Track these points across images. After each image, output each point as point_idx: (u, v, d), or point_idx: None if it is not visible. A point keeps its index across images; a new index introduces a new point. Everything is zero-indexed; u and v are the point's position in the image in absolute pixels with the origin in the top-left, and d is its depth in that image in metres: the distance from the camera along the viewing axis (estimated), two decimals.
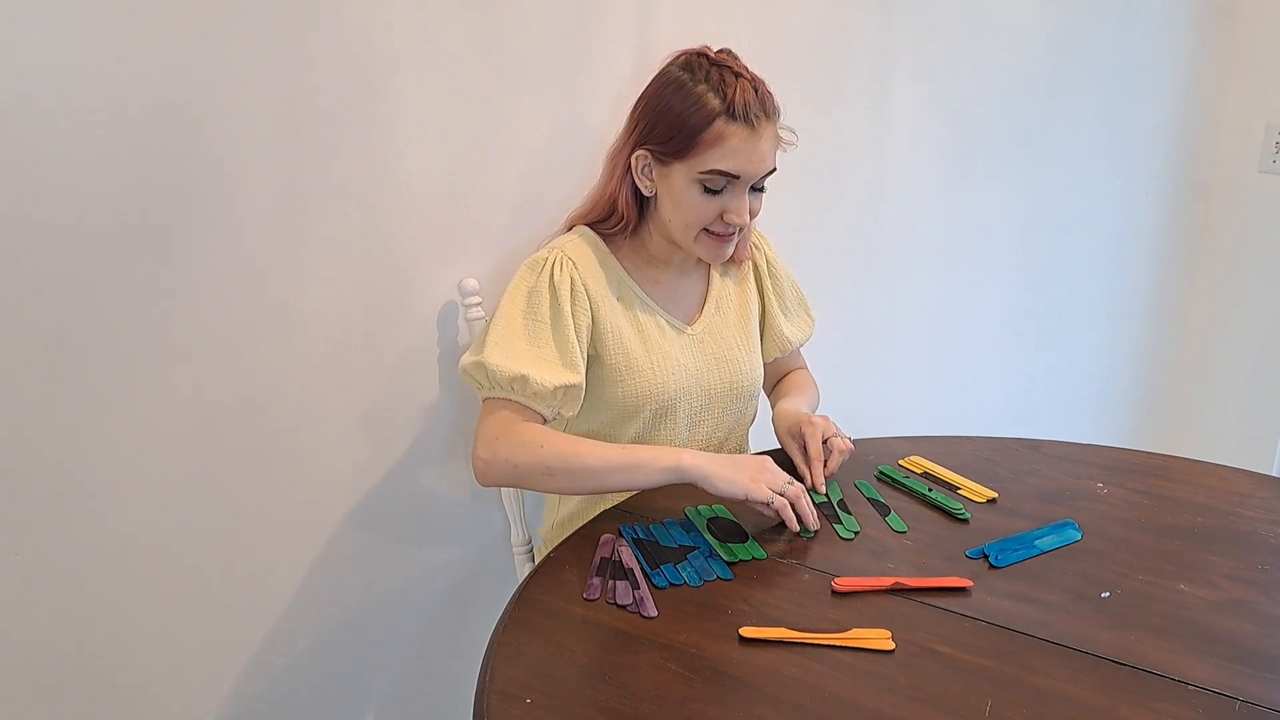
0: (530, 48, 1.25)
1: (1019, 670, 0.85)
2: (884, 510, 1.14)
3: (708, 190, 1.14)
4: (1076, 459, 1.29)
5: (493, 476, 1.11)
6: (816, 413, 1.33)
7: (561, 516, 1.29)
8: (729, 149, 1.11)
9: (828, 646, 0.88)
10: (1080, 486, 1.21)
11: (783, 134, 1.17)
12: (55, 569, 1.03)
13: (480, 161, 1.25)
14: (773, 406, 1.37)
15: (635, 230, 1.23)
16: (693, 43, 1.18)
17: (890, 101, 1.75)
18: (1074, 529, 1.10)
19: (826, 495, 1.17)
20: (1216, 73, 2.38)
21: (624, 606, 0.94)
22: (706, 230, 1.17)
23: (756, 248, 1.33)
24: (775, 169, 1.17)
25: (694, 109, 1.11)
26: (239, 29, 1.02)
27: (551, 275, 1.15)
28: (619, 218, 1.21)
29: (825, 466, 1.18)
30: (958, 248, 2.00)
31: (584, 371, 1.14)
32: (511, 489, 1.32)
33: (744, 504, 1.07)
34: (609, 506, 1.17)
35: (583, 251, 1.19)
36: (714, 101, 1.11)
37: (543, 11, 1.25)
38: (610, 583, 0.98)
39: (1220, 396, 2.58)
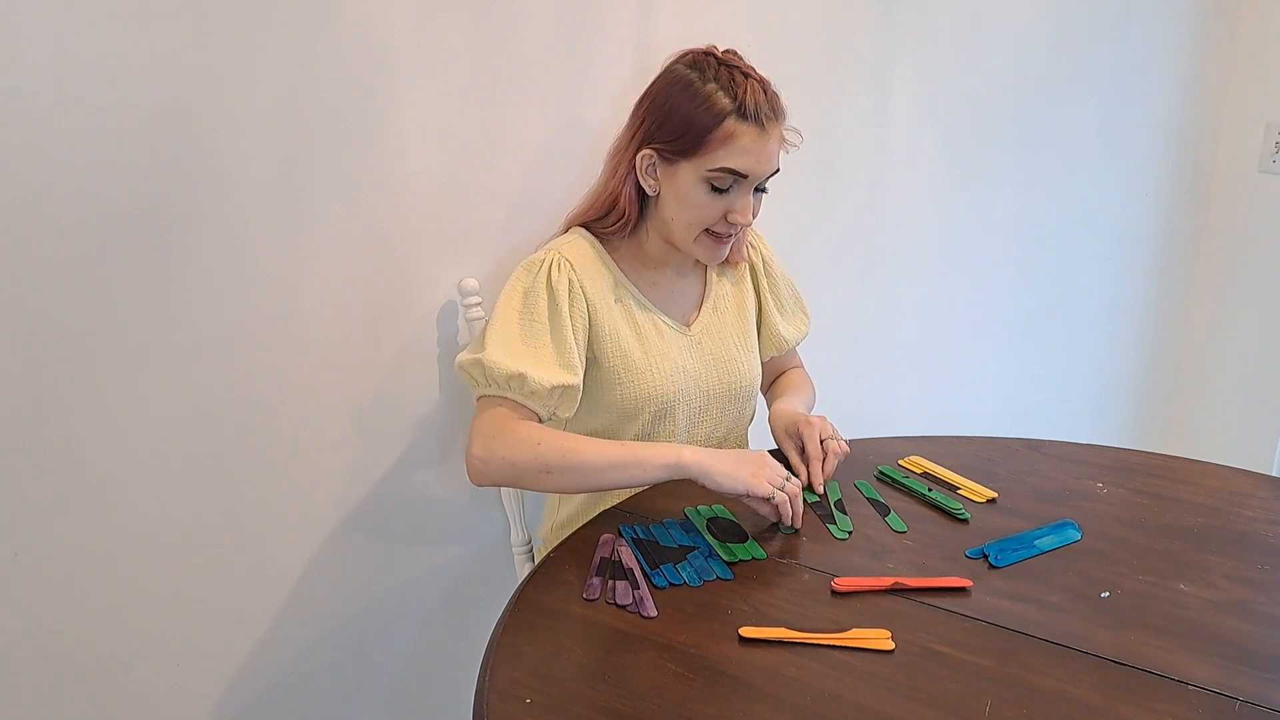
0: (530, 48, 1.25)
1: (1019, 670, 0.85)
2: (884, 510, 1.14)
3: (715, 189, 1.13)
4: (1076, 459, 1.29)
5: (489, 475, 1.09)
6: (813, 412, 1.33)
7: (561, 518, 1.29)
8: (739, 148, 1.11)
9: (828, 646, 0.88)
10: (1080, 486, 1.21)
11: (788, 135, 1.17)
12: (55, 569, 1.03)
13: (480, 161, 1.25)
14: (769, 405, 1.37)
15: (633, 231, 1.23)
16: (693, 43, 1.18)
17: (890, 101, 1.75)
18: (1074, 529, 1.10)
19: (823, 495, 1.17)
20: (1216, 73, 2.38)
21: (624, 606, 0.94)
22: (708, 231, 1.17)
23: (752, 247, 1.33)
24: (779, 170, 1.17)
25: (704, 107, 1.11)
26: (240, 29, 1.02)
27: (549, 276, 1.14)
28: (619, 215, 1.20)
29: (822, 468, 1.18)
30: (958, 247, 2.00)
31: (581, 373, 1.14)
32: (511, 489, 1.32)
33: (740, 500, 1.07)
34: (609, 506, 1.17)
35: (580, 253, 1.19)
36: (724, 100, 1.11)
37: (543, 11, 1.25)
38: (610, 583, 0.98)
39: (1220, 396, 2.58)
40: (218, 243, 1.06)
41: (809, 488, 1.17)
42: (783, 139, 1.17)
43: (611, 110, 1.30)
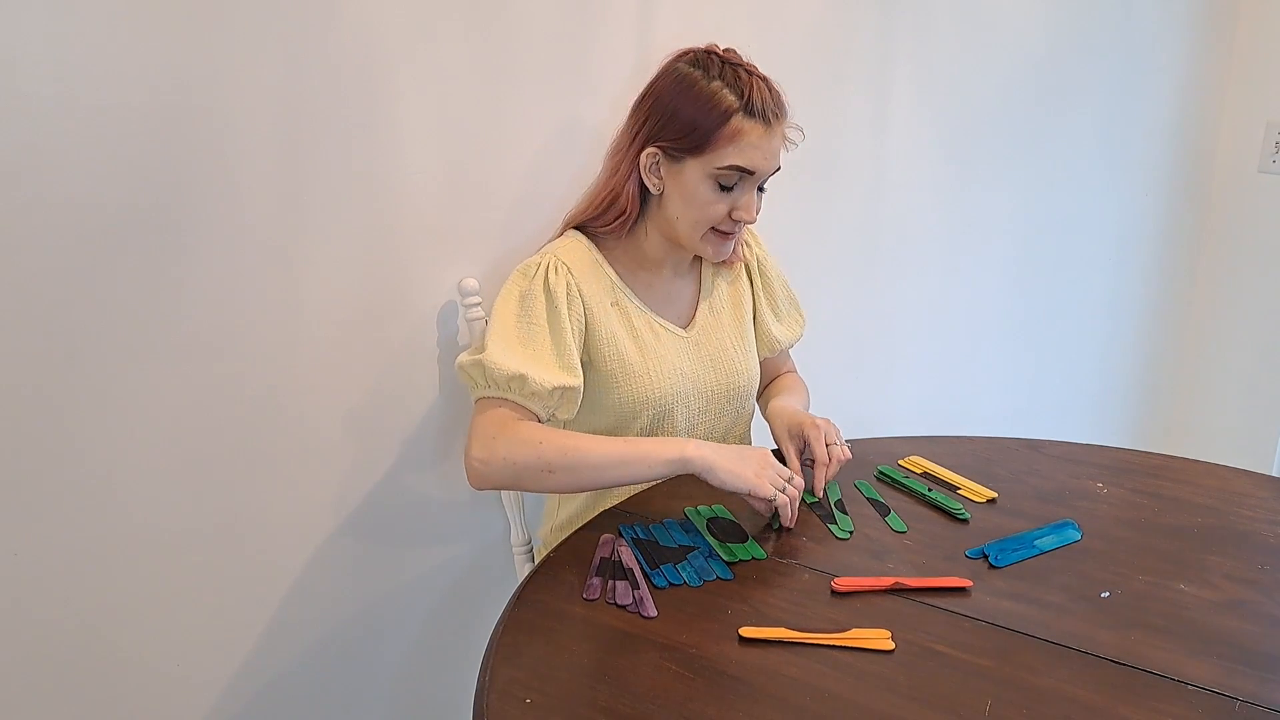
0: (530, 48, 1.25)
1: (1019, 670, 0.85)
2: (884, 510, 1.14)
3: (721, 187, 1.14)
4: (1076, 459, 1.29)
5: (490, 477, 1.08)
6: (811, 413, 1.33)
7: (560, 520, 1.29)
8: (746, 144, 1.11)
9: (828, 646, 0.88)
10: (1080, 486, 1.21)
11: (790, 133, 1.17)
12: (55, 568, 1.03)
13: (480, 162, 1.25)
14: (762, 405, 1.37)
15: (630, 231, 1.23)
16: (693, 42, 1.18)
17: (890, 101, 1.75)
18: (1074, 529, 1.10)
19: (823, 496, 1.17)
20: (1216, 73, 2.38)
21: (624, 606, 0.94)
22: (714, 228, 1.17)
23: (747, 246, 1.33)
24: (780, 168, 1.17)
25: (710, 105, 1.11)
26: (240, 29, 1.02)
27: (546, 279, 1.14)
28: (618, 213, 1.20)
29: (817, 480, 1.18)
30: (958, 247, 2.00)
31: (581, 374, 1.14)
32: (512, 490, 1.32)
33: (739, 498, 1.07)
34: (609, 507, 1.17)
35: (576, 256, 1.19)
36: (730, 98, 1.11)
37: (543, 11, 1.25)
38: (610, 583, 0.98)
39: (1220, 396, 2.58)
40: (217, 242, 1.06)
41: (809, 490, 1.17)
42: (785, 136, 1.17)
43: (611, 110, 1.30)
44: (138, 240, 1.00)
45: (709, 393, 1.24)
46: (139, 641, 1.11)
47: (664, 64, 1.17)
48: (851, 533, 1.09)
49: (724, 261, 1.29)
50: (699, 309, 1.27)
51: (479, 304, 1.25)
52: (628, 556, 1.02)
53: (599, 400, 1.19)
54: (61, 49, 0.92)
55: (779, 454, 1.23)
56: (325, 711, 1.31)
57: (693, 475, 1.06)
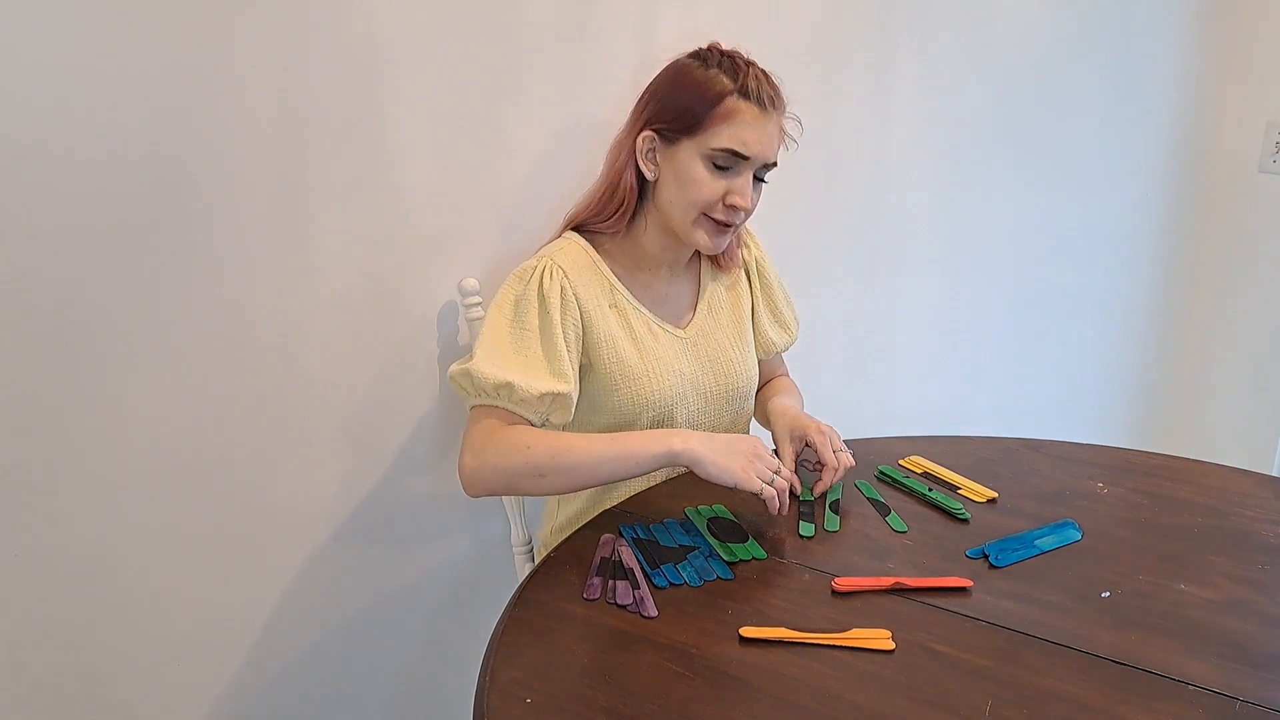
0: (531, 48, 1.25)
1: (1019, 670, 0.85)
2: (884, 510, 1.14)
3: (716, 167, 1.13)
4: (1076, 459, 1.29)
5: (482, 484, 1.08)
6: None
7: (560, 521, 1.29)
8: (741, 124, 1.11)
9: (828, 646, 0.88)
10: (1080, 486, 1.21)
11: (789, 126, 1.18)
12: (55, 569, 1.03)
13: (480, 162, 1.25)
14: (758, 404, 1.37)
15: (628, 228, 1.23)
16: (693, 43, 1.18)
17: (890, 101, 1.75)
18: (1074, 529, 1.10)
19: (818, 497, 1.17)
20: (1216, 73, 2.38)
21: (624, 606, 0.94)
22: (707, 215, 1.16)
23: (746, 247, 1.33)
24: (777, 163, 1.17)
25: (705, 87, 1.12)
26: (240, 29, 1.02)
27: (540, 284, 1.14)
28: (618, 204, 1.19)
29: (822, 481, 1.18)
30: (958, 247, 2.00)
31: (573, 379, 1.13)
32: None
33: (740, 497, 1.07)
34: (609, 506, 1.17)
35: (573, 259, 1.18)
36: (726, 81, 1.12)
37: (543, 12, 1.25)
38: (610, 583, 0.98)
39: (1220, 396, 2.58)
40: (217, 243, 1.06)
41: (808, 488, 1.17)
42: (783, 131, 1.17)
43: (612, 110, 1.30)
44: (138, 241, 1.00)
45: (708, 393, 1.24)
46: (139, 642, 1.11)
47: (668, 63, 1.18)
48: (811, 537, 1.08)
49: (721, 267, 1.29)
50: (698, 310, 1.27)
51: (479, 304, 1.25)
52: (628, 556, 1.02)
53: (600, 402, 1.19)
54: (61, 49, 0.92)
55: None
56: (326, 711, 1.31)
57: (692, 473, 1.06)
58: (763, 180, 1.18)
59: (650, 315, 1.22)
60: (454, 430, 1.33)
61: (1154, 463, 1.30)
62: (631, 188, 1.19)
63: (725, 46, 1.17)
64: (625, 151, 1.18)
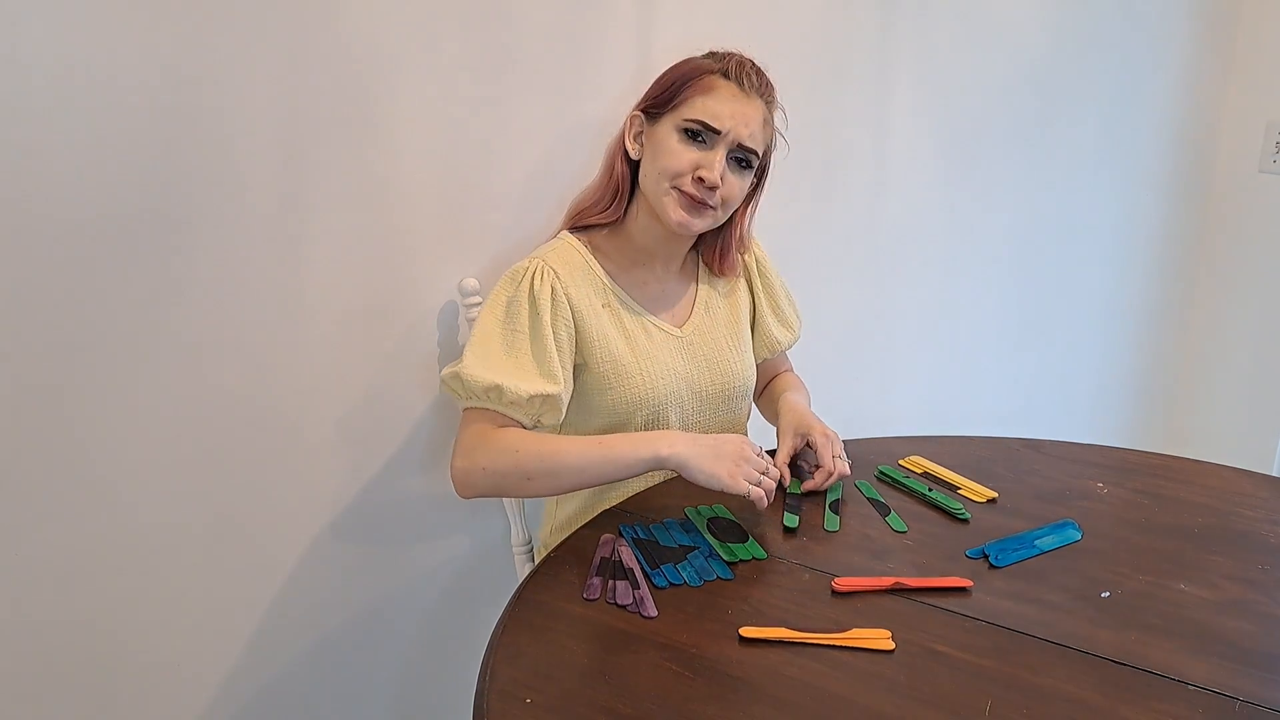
0: (530, 48, 1.25)
1: (1019, 670, 0.85)
2: (884, 510, 1.14)
3: (689, 135, 1.14)
4: (1076, 459, 1.29)
5: (472, 486, 1.10)
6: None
7: (560, 520, 1.29)
8: (716, 98, 1.13)
9: (828, 646, 0.88)
10: (1080, 486, 1.21)
11: (775, 118, 1.18)
12: (54, 569, 1.03)
13: (480, 161, 1.25)
14: (770, 398, 1.37)
15: (623, 218, 1.23)
16: (692, 43, 1.19)
17: (890, 102, 1.75)
18: (1074, 529, 1.10)
19: (798, 488, 1.18)
20: (1216, 73, 2.38)
21: (624, 606, 0.94)
22: (678, 188, 1.15)
23: (745, 249, 1.33)
24: (759, 153, 1.17)
25: (692, 66, 1.16)
26: (240, 29, 1.02)
27: (531, 285, 1.14)
28: (614, 191, 1.21)
29: (814, 480, 1.18)
30: (958, 247, 2.00)
31: (564, 380, 1.13)
32: None
33: (740, 496, 1.07)
34: (609, 506, 1.17)
35: (565, 259, 1.18)
36: (710, 63, 1.16)
37: (543, 12, 1.25)
38: (610, 583, 0.98)
39: (1220, 396, 2.58)
40: (217, 243, 1.06)
41: (796, 479, 1.20)
42: (767, 121, 1.18)
43: (612, 111, 1.30)
44: (137, 240, 1.00)
45: (703, 393, 1.24)
46: (138, 642, 1.11)
47: None
48: (794, 530, 1.08)
49: (719, 274, 1.29)
50: (694, 309, 1.27)
51: (479, 304, 1.25)
52: (628, 556, 1.02)
53: (594, 402, 1.19)
54: (62, 49, 0.92)
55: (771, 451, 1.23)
56: (326, 711, 1.31)
57: None
58: (745, 168, 1.17)
59: (645, 314, 1.22)
60: (454, 430, 1.33)
61: (1154, 463, 1.30)
62: (624, 172, 1.21)
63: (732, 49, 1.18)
64: (618, 138, 1.21)
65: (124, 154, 0.97)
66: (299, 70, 1.07)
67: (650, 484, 1.22)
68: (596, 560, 1.02)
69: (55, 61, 0.92)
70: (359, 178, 1.15)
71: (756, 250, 1.35)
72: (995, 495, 1.17)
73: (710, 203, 1.15)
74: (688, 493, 1.13)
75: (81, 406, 1.01)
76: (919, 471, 1.25)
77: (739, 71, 1.14)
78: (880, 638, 0.89)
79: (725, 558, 1.03)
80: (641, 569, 1.00)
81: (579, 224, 1.24)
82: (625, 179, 1.21)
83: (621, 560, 1.02)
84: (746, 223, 1.26)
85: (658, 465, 1.07)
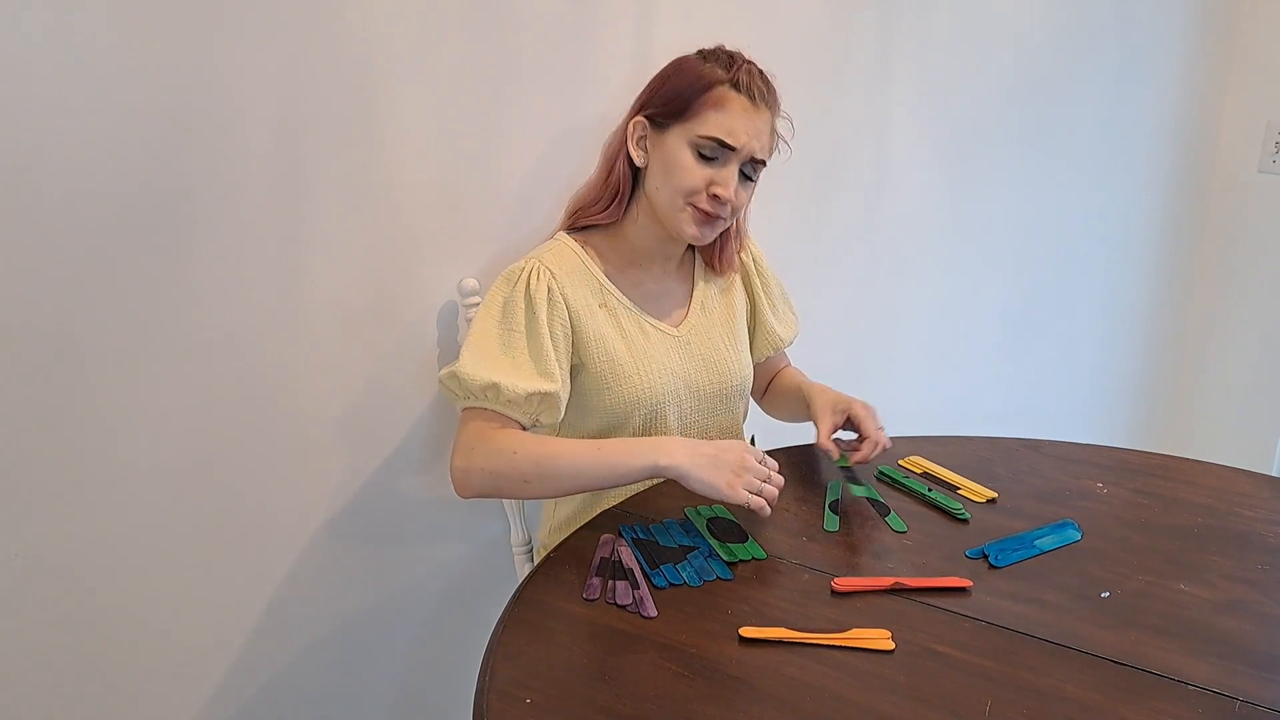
0: (530, 48, 1.25)
1: (1019, 670, 0.85)
2: (884, 510, 1.14)
3: (701, 156, 1.13)
4: (1076, 459, 1.29)
5: (471, 486, 1.09)
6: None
7: (559, 520, 1.29)
8: (730, 114, 1.12)
9: (828, 646, 0.88)
10: (1080, 486, 1.21)
11: (780, 128, 1.18)
12: (54, 569, 1.03)
13: (480, 161, 1.25)
14: (783, 390, 1.37)
15: (621, 219, 1.23)
16: (693, 43, 1.19)
17: (890, 102, 1.75)
18: (1074, 529, 1.10)
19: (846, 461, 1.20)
20: (1216, 73, 2.38)
21: (624, 606, 0.94)
22: (693, 205, 1.15)
23: (742, 246, 1.33)
24: (766, 163, 1.17)
25: (697, 75, 1.14)
26: (240, 29, 1.02)
27: (527, 285, 1.14)
28: (613, 192, 1.20)
29: (861, 451, 1.20)
30: (958, 247, 2.00)
31: (561, 379, 1.13)
32: None
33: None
34: (609, 506, 1.17)
35: (561, 259, 1.18)
36: (719, 71, 1.14)
37: (542, 12, 1.25)
38: (610, 583, 0.98)
39: (1220, 396, 2.58)
40: (217, 242, 1.06)
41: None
42: (774, 130, 1.17)
43: (611, 110, 1.30)
44: (138, 240, 1.00)
45: (701, 392, 1.24)
46: (138, 642, 1.11)
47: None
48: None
49: (717, 271, 1.29)
50: (690, 308, 1.27)
51: (478, 304, 1.25)
52: (628, 556, 1.02)
53: (591, 402, 1.19)
54: (62, 49, 0.92)
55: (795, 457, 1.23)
56: (326, 711, 1.31)
57: None
58: (751, 179, 1.18)
59: (641, 314, 1.22)
60: (454, 431, 1.33)
61: (1154, 463, 1.30)
62: (625, 175, 1.20)
63: (730, 48, 1.17)
64: (618, 139, 1.20)
65: (124, 154, 0.97)
66: (299, 70, 1.07)
67: (650, 484, 1.22)
68: (596, 560, 1.02)
69: (55, 61, 0.92)
70: (359, 178, 1.15)
71: (753, 249, 1.35)
72: (995, 495, 1.17)
73: (723, 215, 1.17)
74: (687, 493, 1.13)
75: (82, 406, 1.01)
76: (919, 471, 1.25)
77: (749, 83, 1.13)
78: (880, 638, 0.89)
79: (725, 558, 1.03)
80: (641, 569, 1.00)
81: (577, 224, 1.24)
82: (626, 181, 1.20)
83: (621, 560, 1.02)
84: (743, 218, 1.27)
85: (656, 474, 1.06)
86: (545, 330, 1.13)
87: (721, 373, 1.26)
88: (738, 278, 1.33)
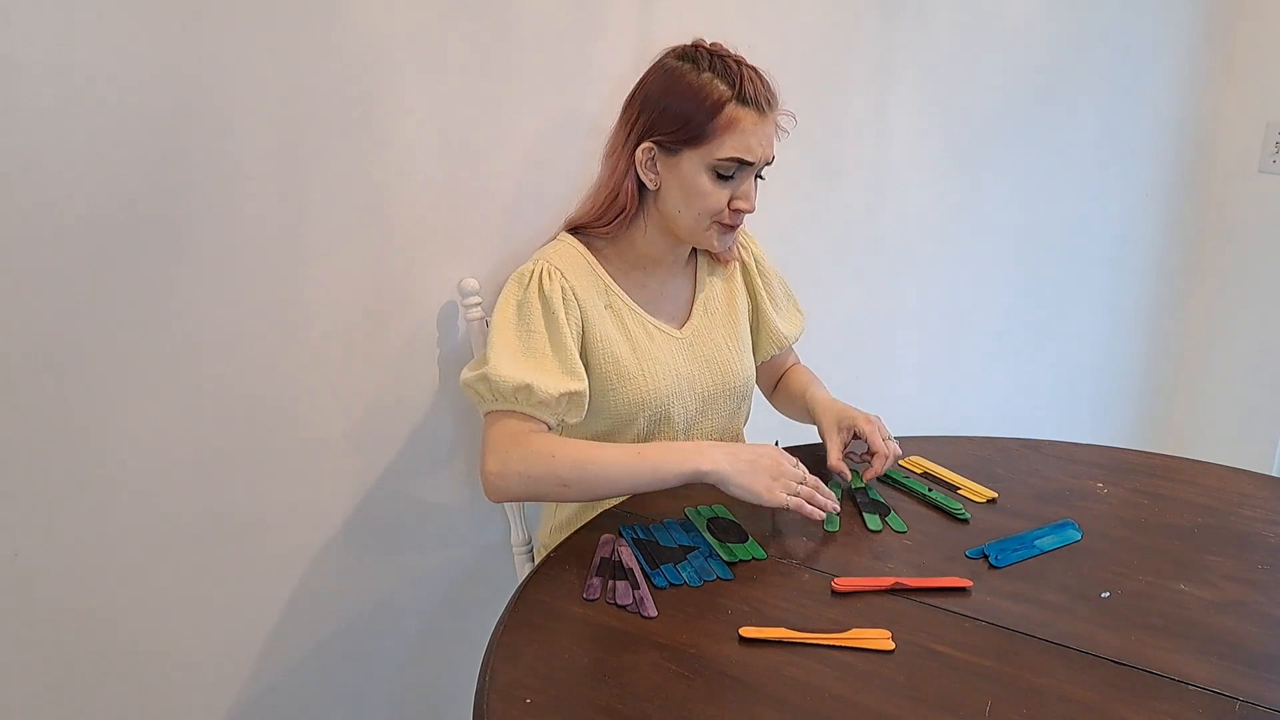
0: (530, 48, 1.25)
1: (1019, 670, 0.85)
2: (884, 510, 1.14)
3: (720, 177, 1.14)
4: (1076, 459, 1.29)
5: (506, 491, 1.08)
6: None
7: (559, 520, 1.29)
8: (742, 132, 1.12)
9: (828, 646, 0.88)
10: (1080, 486, 1.21)
11: (782, 120, 1.18)
12: (55, 569, 1.03)
13: (480, 161, 1.25)
14: (790, 395, 1.37)
15: (626, 229, 1.22)
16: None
17: (890, 101, 1.75)
18: (1074, 529, 1.10)
19: (860, 481, 1.20)
20: (1216, 73, 2.38)
21: (624, 606, 0.94)
22: (716, 220, 1.17)
23: (743, 246, 1.33)
24: (774, 160, 1.18)
25: (702, 96, 1.11)
26: (240, 29, 1.02)
27: (540, 285, 1.14)
28: (619, 211, 1.19)
29: (873, 468, 1.20)
30: (958, 247, 2.00)
31: (585, 376, 1.14)
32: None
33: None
34: (609, 506, 1.17)
35: (568, 260, 1.19)
36: (722, 87, 1.11)
37: (542, 12, 1.25)
38: (610, 583, 0.98)
39: (1220, 396, 2.58)
40: (217, 243, 1.06)
41: (856, 476, 1.21)
42: (778, 125, 1.17)
43: (611, 110, 1.30)
44: (138, 241, 1.00)
45: (704, 393, 1.24)
46: (139, 643, 1.11)
47: (653, 62, 1.17)
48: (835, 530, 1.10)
49: (718, 259, 1.29)
50: (694, 310, 1.27)
51: (479, 304, 1.25)
52: (628, 556, 1.02)
53: (595, 403, 1.19)
54: (62, 49, 0.92)
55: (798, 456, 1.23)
56: (326, 711, 1.31)
57: None
58: (761, 177, 1.19)
59: (645, 315, 1.22)
60: (454, 430, 1.33)
61: (1154, 463, 1.30)
62: (633, 197, 1.19)
63: (709, 42, 1.17)
64: (624, 161, 1.17)
65: (124, 155, 0.97)
66: (300, 71, 1.07)
67: None
68: (596, 560, 1.02)
69: (55, 62, 0.92)
70: (359, 178, 1.15)
71: (754, 248, 1.35)
72: (995, 495, 1.17)
73: (741, 221, 1.19)
74: (687, 493, 1.13)
75: (83, 408, 1.01)
76: (919, 471, 1.25)
77: (755, 94, 1.12)
78: (880, 638, 0.89)
79: (725, 558, 1.03)
80: (641, 569, 1.00)
81: (579, 230, 1.24)
82: (634, 201, 1.19)
83: (621, 560, 1.02)
84: None
85: (697, 479, 1.06)
86: (565, 329, 1.13)
87: (725, 374, 1.26)
88: (739, 279, 1.33)
